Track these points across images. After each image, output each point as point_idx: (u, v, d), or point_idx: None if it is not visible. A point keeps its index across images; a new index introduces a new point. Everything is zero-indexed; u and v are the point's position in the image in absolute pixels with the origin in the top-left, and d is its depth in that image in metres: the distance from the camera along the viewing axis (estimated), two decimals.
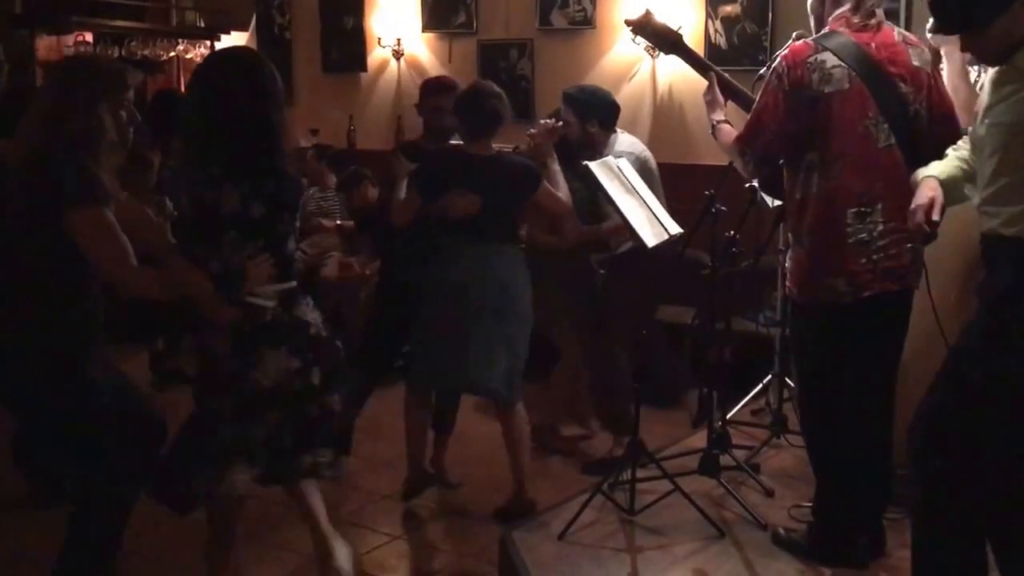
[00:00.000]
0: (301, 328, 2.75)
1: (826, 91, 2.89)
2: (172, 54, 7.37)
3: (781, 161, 3.15)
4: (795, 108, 2.92)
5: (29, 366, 2.62)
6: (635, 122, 5.58)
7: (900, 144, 2.93)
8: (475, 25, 6.46)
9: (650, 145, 4.56)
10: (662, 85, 5.81)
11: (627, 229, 3.76)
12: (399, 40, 6.71)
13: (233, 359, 2.67)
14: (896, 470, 3.29)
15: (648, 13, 3.52)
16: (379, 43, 6.82)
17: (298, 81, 7.20)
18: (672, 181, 4.47)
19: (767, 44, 5.43)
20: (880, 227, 2.91)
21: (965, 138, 2.73)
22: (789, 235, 3.39)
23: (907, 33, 3.12)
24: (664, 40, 3.51)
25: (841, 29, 2.96)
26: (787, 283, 3.18)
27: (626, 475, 3.52)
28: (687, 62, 3.52)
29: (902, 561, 3.10)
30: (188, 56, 7.50)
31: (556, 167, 3.80)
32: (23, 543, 3.48)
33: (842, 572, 3.08)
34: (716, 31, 5.63)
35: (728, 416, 4.03)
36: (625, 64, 5.91)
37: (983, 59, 2.76)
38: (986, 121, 2.49)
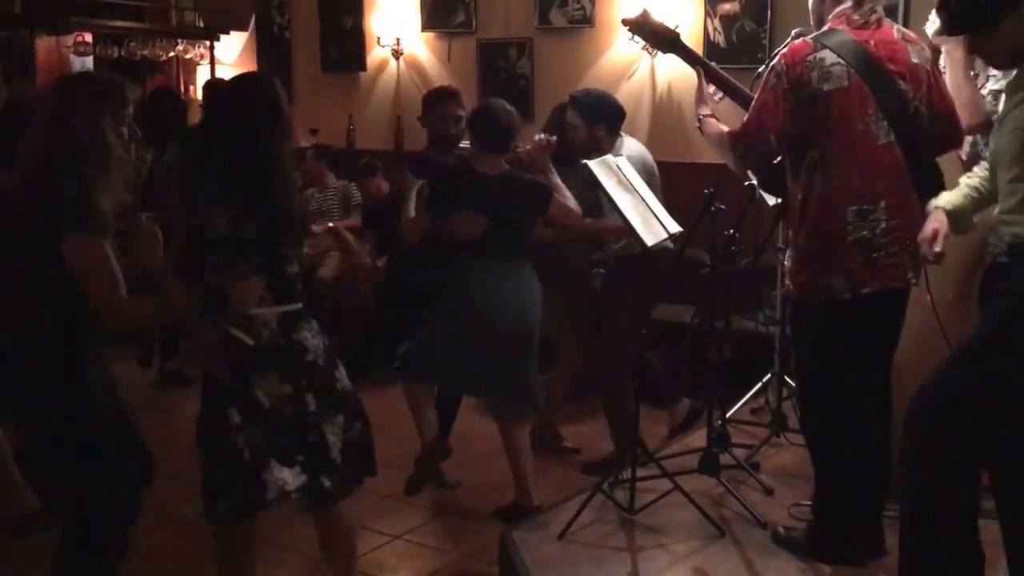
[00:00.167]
0: (297, 354, 2.70)
1: (825, 89, 2.89)
2: (171, 54, 7.38)
3: (777, 160, 3.15)
4: (794, 106, 2.91)
5: (28, 367, 2.61)
6: (634, 121, 5.57)
7: (900, 141, 2.93)
8: (474, 24, 6.46)
9: (649, 144, 4.58)
10: (661, 84, 5.81)
11: (626, 228, 3.76)
12: (398, 40, 6.72)
13: (233, 380, 2.66)
14: (895, 468, 3.29)
15: (645, 12, 3.52)
16: (378, 43, 6.82)
17: (297, 81, 7.20)
18: (671, 180, 4.47)
19: (766, 42, 5.43)
20: (882, 225, 2.91)
21: (982, 163, 2.73)
22: (789, 233, 3.40)
23: (906, 30, 3.11)
24: (661, 39, 3.50)
25: (841, 27, 2.96)
26: (786, 281, 3.18)
27: (626, 474, 3.52)
28: (685, 61, 3.51)
29: None
30: (187, 56, 7.50)
31: (556, 179, 3.83)
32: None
33: (841, 570, 3.08)
34: (715, 29, 5.63)
35: (728, 415, 4.03)
36: (624, 63, 5.91)
37: (993, 62, 2.76)
38: (1003, 128, 2.49)
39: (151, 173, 5.31)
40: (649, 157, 4.30)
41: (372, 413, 4.28)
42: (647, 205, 3.69)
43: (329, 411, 2.74)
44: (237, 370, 2.64)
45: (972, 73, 3.24)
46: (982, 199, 2.66)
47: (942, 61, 3.21)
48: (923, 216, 2.91)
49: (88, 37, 6.83)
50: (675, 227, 3.70)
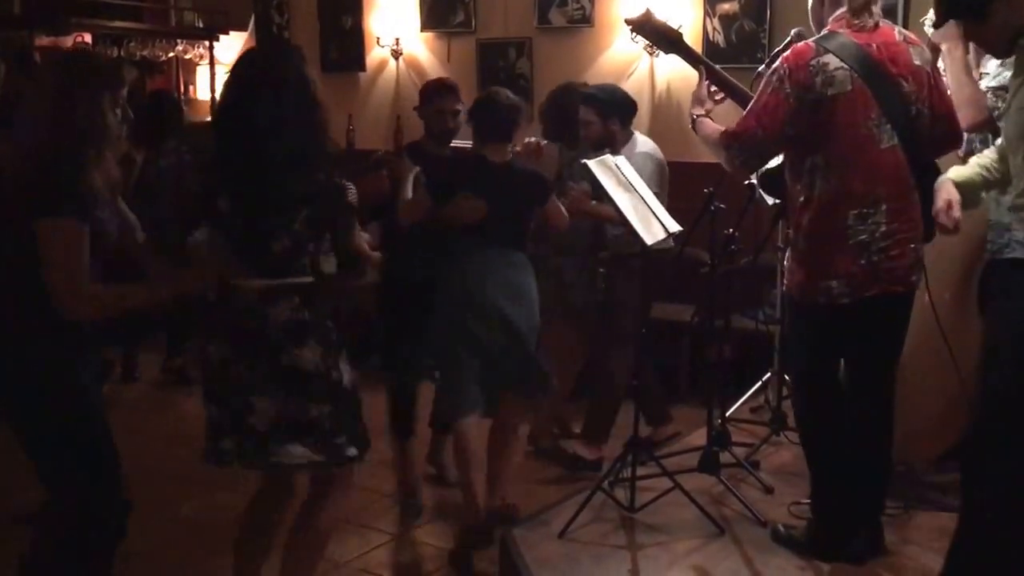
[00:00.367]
0: (261, 327, 2.67)
1: (829, 93, 2.88)
2: (171, 54, 7.38)
3: (777, 162, 3.15)
4: (796, 110, 2.90)
5: (22, 372, 2.56)
6: (634, 120, 5.57)
7: (903, 144, 2.92)
8: (474, 24, 6.46)
9: None
10: (660, 83, 5.81)
11: (626, 228, 3.77)
12: (398, 40, 6.71)
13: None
14: (895, 467, 3.30)
15: (648, 12, 3.52)
16: (378, 43, 6.82)
17: None
18: (671, 179, 4.48)
19: (765, 42, 5.43)
20: (883, 228, 2.90)
21: (992, 148, 2.74)
22: (788, 233, 3.40)
23: (907, 32, 3.11)
24: (664, 39, 3.51)
25: (841, 30, 2.96)
26: (785, 283, 3.18)
27: (626, 473, 3.53)
28: (686, 61, 3.52)
29: (900, 557, 3.12)
30: (187, 57, 7.51)
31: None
32: None
33: (841, 568, 3.08)
34: (714, 29, 5.64)
35: (728, 413, 4.03)
36: (624, 62, 5.91)
37: (991, 50, 2.77)
38: (1010, 112, 2.51)
39: (143, 174, 5.31)
40: (660, 155, 4.36)
41: (372, 413, 4.31)
42: (647, 204, 3.70)
43: (264, 383, 2.66)
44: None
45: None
46: (990, 179, 2.68)
47: (941, 62, 3.21)
48: (924, 218, 2.92)
49: (87, 37, 6.84)
50: (675, 226, 3.70)
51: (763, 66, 3.41)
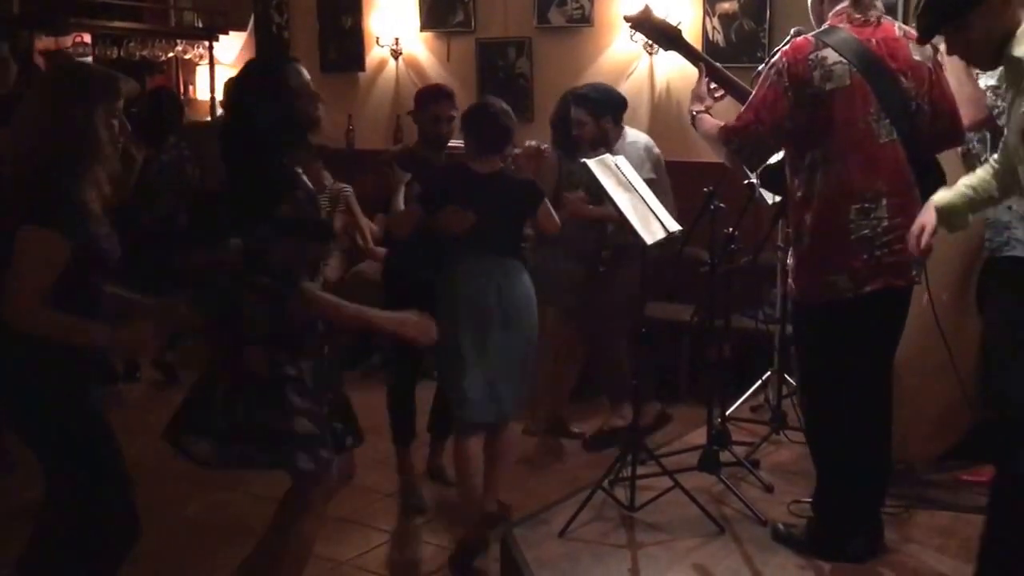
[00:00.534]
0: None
1: (827, 88, 2.88)
2: (170, 55, 7.38)
3: (778, 159, 3.15)
4: (795, 105, 2.91)
5: (26, 374, 2.53)
6: (633, 119, 5.56)
7: (902, 139, 2.93)
8: (473, 24, 6.46)
9: None
10: (660, 82, 5.81)
11: (626, 227, 3.77)
12: (397, 39, 6.71)
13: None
14: (895, 466, 3.31)
15: (647, 8, 3.52)
16: (377, 42, 6.82)
17: None
18: (670, 178, 4.48)
19: (765, 41, 5.43)
20: (884, 223, 2.90)
21: (987, 163, 2.73)
22: (789, 232, 3.40)
23: (908, 28, 3.11)
24: (663, 36, 3.51)
25: (842, 25, 2.96)
26: (789, 280, 3.18)
27: (626, 472, 3.53)
28: (686, 58, 3.52)
29: (901, 556, 3.12)
30: (186, 57, 7.51)
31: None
32: None
33: (841, 567, 3.08)
34: (714, 28, 5.64)
35: (728, 412, 4.04)
36: (623, 61, 5.91)
37: (975, 62, 2.77)
38: (1012, 129, 2.51)
39: (144, 172, 5.31)
40: (654, 146, 4.41)
41: (371, 412, 4.31)
42: (646, 204, 3.70)
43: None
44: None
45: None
46: (977, 199, 2.66)
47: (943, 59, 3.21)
48: None
49: (87, 38, 6.83)
50: (674, 225, 3.70)
51: (763, 65, 3.41)
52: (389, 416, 4.08)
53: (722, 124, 3.07)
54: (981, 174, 2.69)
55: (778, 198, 3.78)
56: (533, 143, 3.92)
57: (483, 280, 3.59)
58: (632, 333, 4.06)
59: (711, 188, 3.65)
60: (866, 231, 2.91)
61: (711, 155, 3.27)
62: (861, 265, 2.91)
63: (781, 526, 3.28)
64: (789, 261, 3.18)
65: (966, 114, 3.10)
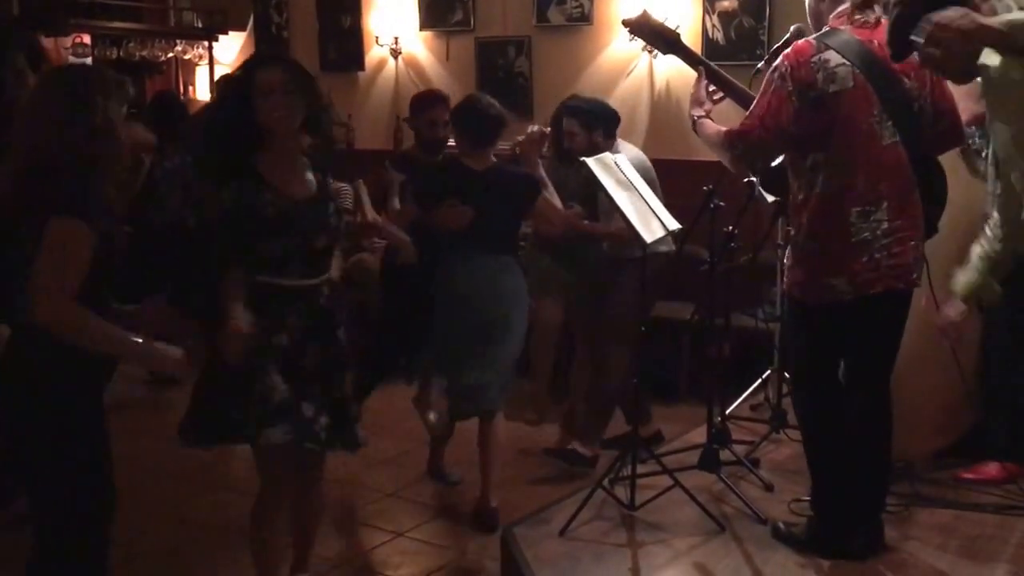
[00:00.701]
0: None
1: (831, 90, 2.86)
2: (170, 55, 7.38)
3: (778, 162, 3.15)
4: (799, 109, 2.88)
5: (16, 371, 2.45)
6: (633, 118, 5.58)
7: (904, 141, 2.92)
8: (472, 23, 6.46)
9: (647, 142, 4.62)
10: (659, 81, 5.82)
11: (626, 226, 3.77)
12: (397, 39, 6.72)
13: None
14: (895, 464, 3.31)
15: (645, 13, 3.52)
16: (377, 42, 6.82)
17: None
18: (670, 177, 4.48)
19: (764, 39, 5.43)
20: (884, 226, 2.89)
21: (986, 228, 2.74)
22: (789, 230, 3.40)
23: None
24: (662, 40, 3.50)
25: (843, 27, 2.95)
26: (786, 280, 3.17)
27: (626, 471, 3.53)
28: (685, 61, 3.51)
29: (901, 554, 3.12)
30: (186, 57, 7.51)
31: (542, 174, 3.86)
32: None
33: (841, 565, 3.08)
34: (713, 26, 5.64)
35: (728, 411, 4.04)
36: (623, 60, 5.91)
37: (950, 77, 2.77)
38: (996, 140, 2.50)
39: (151, 176, 5.32)
40: (648, 162, 4.37)
41: (374, 413, 4.32)
42: (646, 203, 3.70)
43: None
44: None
45: None
46: (996, 263, 2.71)
47: None
48: (924, 215, 2.91)
49: (86, 38, 6.83)
50: (674, 224, 3.70)
51: (762, 63, 3.41)
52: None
53: (724, 129, 3.06)
54: (984, 241, 2.73)
55: (778, 198, 3.77)
56: (535, 128, 3.92)
57: (477, 276, 3.61)
58: (635, 340, 4.05)
59: (711, 187, 3.64)
60: (866, 234, 2.89)
61: (710, 154, 3.26)
62: (861, 268, 2.90)
63: (781, 524, 3.28)
64: (786, 260, 3.18)
65: (964, 108, 3.09)
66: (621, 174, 3.72)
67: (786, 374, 4.14)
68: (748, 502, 3.46)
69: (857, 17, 2.94)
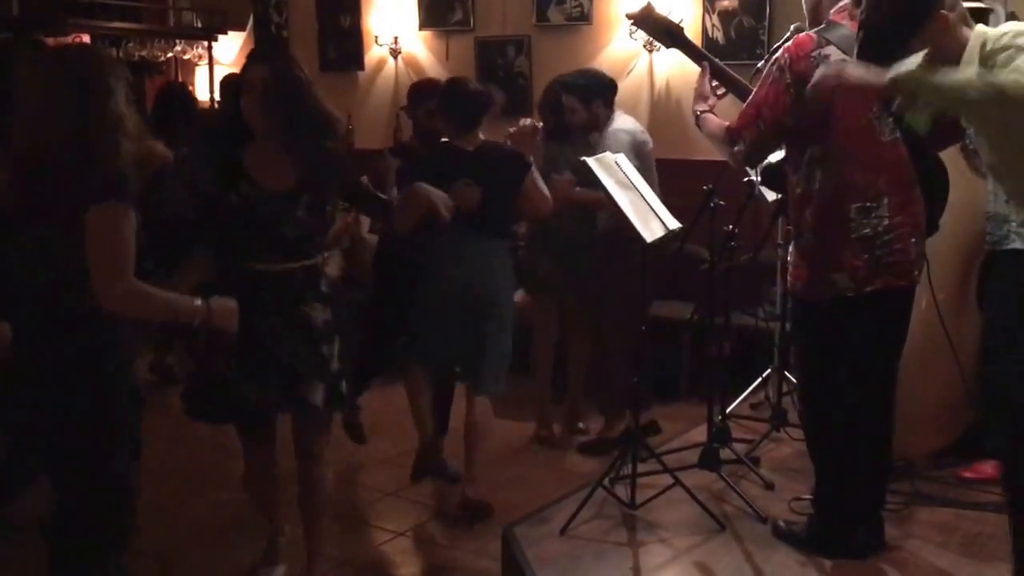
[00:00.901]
0: None
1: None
2: (170, 55, 7.37)
3: (780, 157, 3.15)
4: (796, 102, 2.90)
5: (47, 363, 2.41)
6: (633, 117, 5.56)
7: (904, 137, 2.92)
8: (472, 22, 6.46)
9: None
10: (659, 80, 5.81)
11: (626, 225, 3.77)
12: (396, 38, 6.71)
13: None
14: (895, 463, 3.31)
15: (649, 5, 3.52)
16: (376, 41, 6.82)
17: None
18: (670, 176, 4.48)
19: (764, 38, 5.43)
20: (885, 222, 2.89)
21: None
22: (789, 229, 3.39)
23: None
24: (665, 33, 3.50)
25: (843, 21, 2.95)
26: (788, 278, 3.17)
27: (627, 470, 3.53)
28: (687, 55, 3.51)
29: (901, 553, 3.12)
30: (186, 57, 7.50)
31: (531, 160, 3.88)
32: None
33: (842, 564, 3.08)
34: (713, 25, 5.64)
35: (728, 410, 4.04)
36: (622, 59, 5.91)
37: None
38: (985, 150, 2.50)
39: (163, 166, 5.30)
40: (643, 135, 4.41)
41: (374, 413, 4.32)
42: (646, 202, 3.70)
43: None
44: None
45: None
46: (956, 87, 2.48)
47: None
48: (926, 212, 2.91)
49: (86, 38, 6.82)
50: (674, 223, 3.70)
51: (762, 62, 3.41)
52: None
53: (726, 124, 3.06)
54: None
55: (778, 196, 3.77)
56: (527, 121, 3.94)
57: (466, 257, 3.67)
58: (634, 333, 4.05)
59: (711, 186, 3.64)
60: (867, 230, 2.89)
61: (711, 152, 3.26)
62: (862, 264, 2.90)
63: (782, 523, 3.28)
64: (789, 258, 3.18)
65: None
66: (621, 173, 3.72)
67: (786, 373, 4.15)
68: (748, 501, 3.46)
69: (858, 12, 2.94)
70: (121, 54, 6.93)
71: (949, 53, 2.45)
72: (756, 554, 3.18)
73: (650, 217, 3.63)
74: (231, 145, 3.00)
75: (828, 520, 3.13)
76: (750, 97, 3.02)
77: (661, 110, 5.80)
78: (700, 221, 3.70)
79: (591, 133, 4.37)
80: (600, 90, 4.40)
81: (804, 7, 3.14)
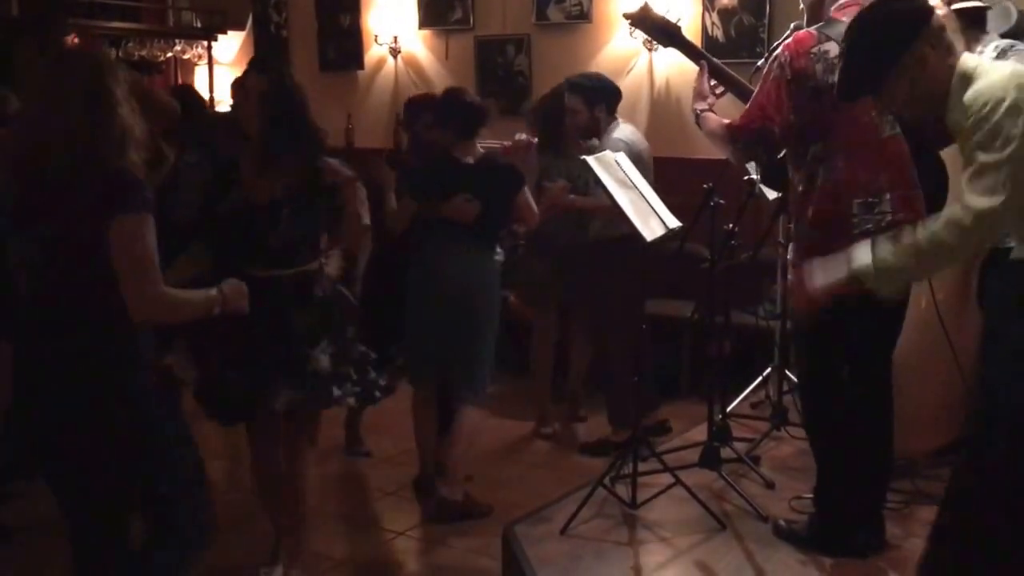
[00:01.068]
0: None
1: (830, 81, 2.85)
2: (169, 55, 7.37)
3: (781, 155, 3.14)
4: (797, 98, 2.89)
5: (71, 382, 2.40)
6: (632, 116, 5.56)
7: (905, 133, 2.92)
8: (472, 21, 6.46)
9: (647, 139, 4.59)
10: (659, 79, 5.81)
11: (626, 224, 3.77)
12: (396, 38, 6.72)
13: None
14: (896, 461, 3.30)
15: (647, 5, 3.52)
16: (376, 41, 6.82)
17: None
18: (670, 175, 4.48)
19: (764, 36, 5.43)
20: (888, 218, 2.88)
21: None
22: (790, 227, 3.39)
23: None
24: (663, 33, 3.50)
25: (844, 18, 2.94)
26: (790, 276, 3.17)
27: (627, 469, 3.53)
28: (686, 55, 3.51)
29: (902, 551, 3.11)
30: (185, 57, 7.50)
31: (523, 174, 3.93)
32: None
33: (843, 563, 3.08)
34: (713, 23, 5.63)
35: (728, 409, 4.03)
36: (622, 58, 5.91)
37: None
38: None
39: (175, 171, 5.30)
40: (642, 143, 4.41)
41: (374, 412, 4.32)
42: (646, 200, 3.69)
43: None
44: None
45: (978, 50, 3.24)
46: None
47: None
48: (927, 208, 2.91)
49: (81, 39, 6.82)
50: (674, 222, 3.70)
51: (762, 61, 3.41)
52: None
53: (727, 122, 3.06)
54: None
55: (779, 194, 3.77)
56: (523, 137, 3.95)
57: (453, 266, 3.70)
58: (634, 333, 4.06)
59: (711, 184, 3.64)
60: (869, 226, 2.88)
61: (711, 151, 3.26)
62: None
63: (782, 522, 3.28)
64: (790, 255, 3.17)
65: None
66: (621, 173, 3.72)
67: (787, 372, 4.15)
68: (749, 500, 3.46)
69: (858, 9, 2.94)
70: (121, 54, 6.93)
71: (933, 85, 2.45)
72: (757, 553, 3.17)
73: (650, 216, 3.63)
74: (231, 150, 3.13)
75: (829, 519, 3.13)
76: (753, 95, 3.02)
77: (661, 108, 5.81)
78: (700, 220, 3.69)
79: (590, 138, 4.35)
80: (605, 95, 4.40)
81: (802, 3, 3.13)
